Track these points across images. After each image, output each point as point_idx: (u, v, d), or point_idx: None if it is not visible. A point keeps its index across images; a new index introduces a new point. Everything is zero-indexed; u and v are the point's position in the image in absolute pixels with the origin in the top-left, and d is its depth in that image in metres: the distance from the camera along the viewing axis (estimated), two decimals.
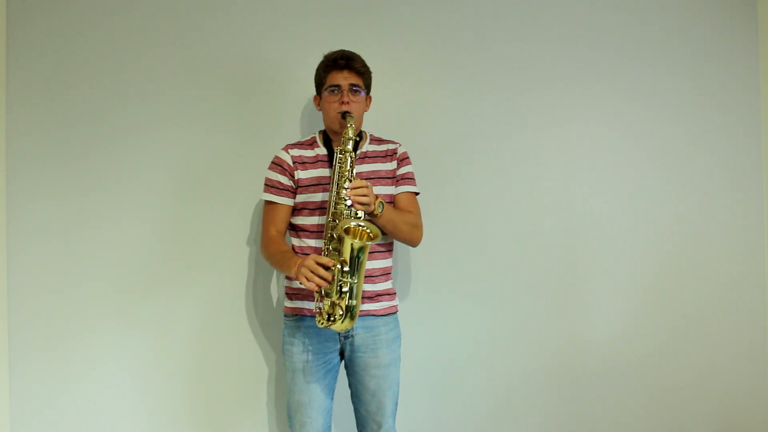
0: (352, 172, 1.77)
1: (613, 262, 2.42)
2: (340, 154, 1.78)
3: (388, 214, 1.80)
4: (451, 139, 2.34)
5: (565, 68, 2.40)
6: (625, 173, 2.43)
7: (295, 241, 1.92)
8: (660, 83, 2.45)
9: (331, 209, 1.77)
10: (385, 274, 1.92)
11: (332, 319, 1.69)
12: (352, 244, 1.67)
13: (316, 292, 1.72)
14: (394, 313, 1.95)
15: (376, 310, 1.88)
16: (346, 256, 1.68)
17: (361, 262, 1.69)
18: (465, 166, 2.35)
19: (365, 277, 1.80)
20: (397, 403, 1.94)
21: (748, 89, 2.50)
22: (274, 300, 2.27)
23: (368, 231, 1.72)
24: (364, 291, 1.82)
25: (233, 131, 2.24)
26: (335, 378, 1.92)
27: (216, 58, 2.24)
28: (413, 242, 1.95)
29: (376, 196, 1.78)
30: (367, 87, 1.94)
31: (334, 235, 1.73)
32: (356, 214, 1.73)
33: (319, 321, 1.71)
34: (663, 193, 2.45)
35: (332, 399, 1.91)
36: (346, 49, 1.92)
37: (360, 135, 1.95)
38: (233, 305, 2.24)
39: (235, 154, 2.24)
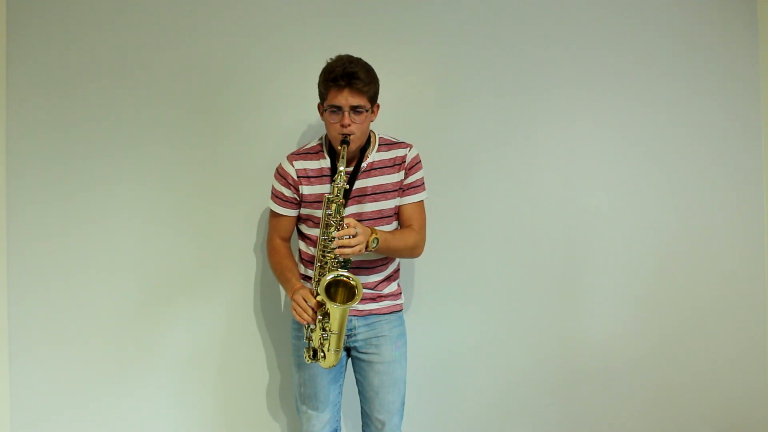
0: (340, 220, 1.71)
1: (614, 263, 2.43)
2: (327, 201, 1.73)
3: (384, 245, 1.78)
4: (450, 141, 2.34)
5: (566, 69, 2.40)
6: (627, 173, 2.43)
7: (302, 246, 1.95)
8: (660, 83, 2.45)
9: (319, 254, 1.75)
10: (386, 279, 1.93)
11: (316, 357, 1.75)
12: (331, 307, 1.68)
13: (304, 326, 1.77)
14: (399, 311, 1.96)
15: (378, 309, 1.90)
16: (329, 308, 1.69)
17: (342, 320, 1.70)
18: (464, 167, 2.35)
19: (364, 284, 1.82)
20: (403, 403, 1.94)
21: (748, 89, 2.50)
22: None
23: (351, 282, 1.70)
24: (366, 293, 1.85)
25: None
26: (341, 373, 1.94)
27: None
28: (414, 257, 1.97)
29: (372, 230, 1.74)
30: (372, 100, 1.81)
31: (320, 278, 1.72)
32: (342, 263, 1.73)
33: (306, 357, 1.78)
34: (663, 193, 2.45)
35: (340, 394, 1.94)
36: (347, 51, 1.81)
37: (368, 140, 1.87)
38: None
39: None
